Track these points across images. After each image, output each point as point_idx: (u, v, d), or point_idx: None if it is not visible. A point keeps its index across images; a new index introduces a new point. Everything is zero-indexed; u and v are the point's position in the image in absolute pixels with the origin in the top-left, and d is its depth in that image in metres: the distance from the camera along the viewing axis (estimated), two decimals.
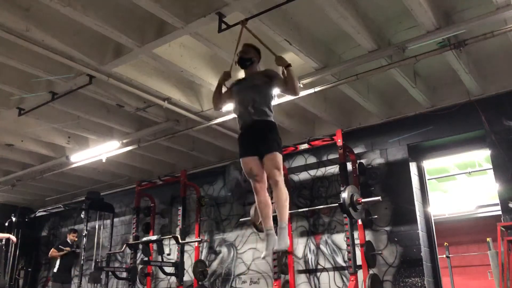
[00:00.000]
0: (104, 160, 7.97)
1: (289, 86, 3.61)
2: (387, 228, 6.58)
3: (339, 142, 6.37)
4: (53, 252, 8.64)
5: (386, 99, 6.88)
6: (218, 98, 3.87)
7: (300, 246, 7.32)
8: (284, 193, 3.39)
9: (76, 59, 5.29)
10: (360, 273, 6.06)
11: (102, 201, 9.96)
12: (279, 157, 3.45)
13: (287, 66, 3.58)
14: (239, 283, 7.91)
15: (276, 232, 3.38)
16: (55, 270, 8.61)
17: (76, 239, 8.92)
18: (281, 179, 3.40)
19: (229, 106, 4.16)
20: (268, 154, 3.41)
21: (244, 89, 3.70)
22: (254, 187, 3.48)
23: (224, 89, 3.88)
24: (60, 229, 12.24)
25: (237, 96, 3.73)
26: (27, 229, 12.26)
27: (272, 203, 3.52)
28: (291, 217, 7.27)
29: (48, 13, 4.75)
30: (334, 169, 7.26)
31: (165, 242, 8.78)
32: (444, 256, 8.95)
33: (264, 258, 3.54)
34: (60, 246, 8.62)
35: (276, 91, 3.75)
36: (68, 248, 8.57)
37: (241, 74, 5.89)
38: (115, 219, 10.21)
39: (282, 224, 3.35)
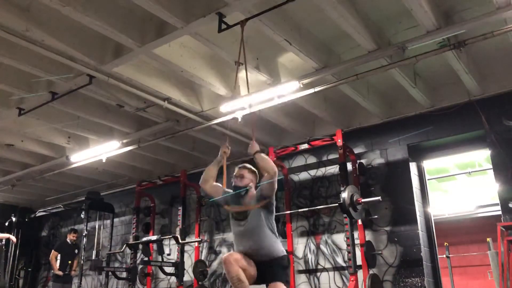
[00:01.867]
0: (104, 160, 7.96)
1: (266, 176, 3.43)
2: (387, 228, 6.57)
3: (339, 142, 6.38)
4: (53, 256, 8.62)
5: (386, 99, 6.88)
6: (210, 177, 3.70)
7: (300, 246, 7.32)
8: None
9: (76, 59, 5.28)
10: (360, 273, 6.06)
11: (102, 201, 9.96)
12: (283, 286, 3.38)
13: (255, 153, 3.50)
14: None
15: None
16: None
17: (76, 239, 8.92)
18: None
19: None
20: (275, 282, 3.35)
21: (242, 225, 3.50)
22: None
23: (216, 180, 3.73)
24: (60, 229, 12.24)
25: (237, 232, 3.55)
26: (27, 229, 12.26)
27: None
28: (291, 217, 7.26)
29: (48, 13, 4.75)
30: (334, 169, 7.25)
31: (165, 242, 8.77)
32: (444, 256, 8.94)
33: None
34: (56, 273, 8.54)
35: (271, 193, 3.54)
36: (60, 273, 8.49)
37: (241, 75, 5.93)
38: (115, 219, 10.21)
39: None
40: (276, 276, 3.37)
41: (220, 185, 3.75)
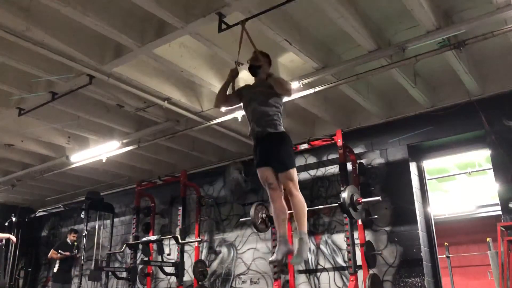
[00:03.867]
0: (104, 160, 7.96)
1: (280, 89, 3.65)
2: (387, 228, 6.58)
3: (339, 142, 6.38)
4: (52, 253, 8.64)
5: (386, 99, 6.88)
6: (223, 97, 3.92)
7: None
8: (301, 202, 3.50)
9: (76, 59, 5.28)
10: (360, 273, 6.07)
11: (102, 201, 9.95)
12: (293, 171, 3.55)
13: (268, 76, 3.69)
14: (239, 283, 7.91)
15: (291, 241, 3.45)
16: (55, 270, 8.61)
17: (76, 239, 8.91)
18: (296, 189, 3.49)
19: (229, 107, 4.18)
20: (284, 172, 3.50)
21: (254, 100, 3.72)
22: (270, 195, 3.60)
23: (229, 90, 3.90)
24: (60, 229, 12.24)
25: (248, 106, 3.76)
26: (27, 229, 12.25)
27: (289, 212, 3.60)
28: (291, 217, 7.24)
29: (48, 13, 4.75)
30: (334, 169, 7.25)
31: (165, 242, 8.78)
32: (444, 256, 8.95)
33: (271, 262, 3.60)
34: (60, 251, 8.59)
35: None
36: (67, 253, 8.55)
37: (241, 75, 5.92)
38: (115, 219, 10.21)
39: (301, 234, 3.43)
40: (285, 161, 3.52)
41: (232, 92, 3.94)
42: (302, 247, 3.40)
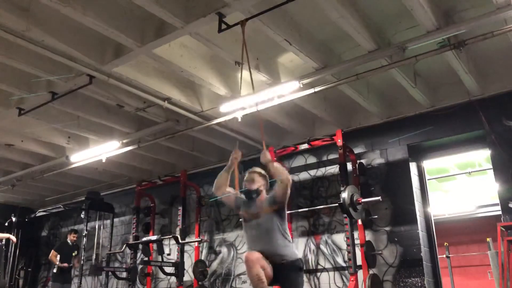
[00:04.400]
0: (104, 160, 7.96)
1: (281, 183, 3.49)
2: (387, 228, 6.57)
3: (339, 142, 6.38)
4: (52, 255, 8.63)
5: (386, 99, 6.88)
6: (223, 184, 3.79)
7: (300, 246, 7.31)
8: None
9: (76, 59, 5.28)
10: (360, 273, 6.06)
11: (102, 201, 9.96)
12: None
13: (268, 162, 3.56)
14: (239, 283, 7.91)
15: None
16: (54, 270, 8.61)
17: (76, 239, 8.91)
18: None
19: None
20: None
21: (255, 227, 3.56)
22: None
23: (229, 186, 3.82)
24: (60, 229, 12.24)
25: (250, 235, 3.61)
26: (27, 229, 12.26)
27: None
28: (291, 217, 7.27)
29: (48, 13, 4.75)
30: (334, 169, 7.25)
31: (165, 242, 8.78)
32: (444, 256, 8.95)
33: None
34: (58, 264, 8.56)
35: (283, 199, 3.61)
36: (65, 264, 8.53)
37: (242, 74, 5.92)
38: (115, 219, 10.21)
39: None
40: (288, 281, 3.42)
41: (232, 190, 3.82)
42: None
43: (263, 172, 3.77)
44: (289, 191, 3.54)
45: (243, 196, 3.75)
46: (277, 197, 3.55)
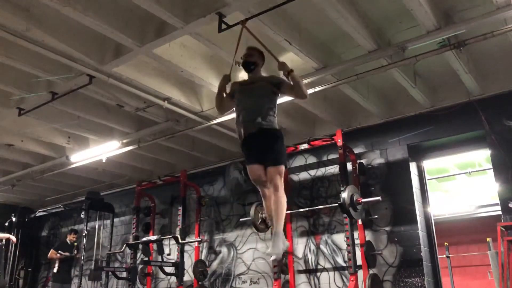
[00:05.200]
0: (104, 160, 7.97)
1: (296, 90, 3.66)
2: (387, 228, 6.57)
3: (339, 142, 6.37)
4: (52, 253, 8.64)
5: (386, 99, 6.88)
6: (221, 103, 3.90)
7: (300, 246, 7.32)
8: (283, 199, 3.47)
9: (76, 59, 5.28)
10: (360, 273, 6.06)
11: (102, 201, 9.96)
12: (283, 167, 3.55)
13: (290, 72, 3.61)
14: (239, 283, 7.91)
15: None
16: (54, 270, 8.61)
17: (76, 239, 8.90)
18: (282, 186, 3.48)
19: (230, 110, 4.15)
20: (274, 166, 3.49)
21: (248, 94, 3.69)
22: (263, 193, 3.56)
23: (225, 93, 3.88)
24: (60, 229, 12.24)
25: (241, 101, 3.72)
26: (27, 229, 12.25)
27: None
28: (291, 217, 7.28)
29: (48, 13, 4.75)
30: (334, 169, 7.25)
31: (165, 242, 8.78)
32: (444, 256, 8.95)
33: (268, 255, 3.57)
34: (59, 251, 8.60)
35: (281, 97, 3.79)
36: (67, 253, 8.56)
37: (242, 74, 5.89)
38: (115, 219, 10.20)
39: (277, 229, 3.40)
40: (278, 155, 3.53)
41: (227, 95, 3.91)
42: (276, 241, 3.38)
43: (260, 50, 3.90)
44: (300, 96, 3.74)
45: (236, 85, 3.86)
46: (285, 90, 3.69)
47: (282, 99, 5.88)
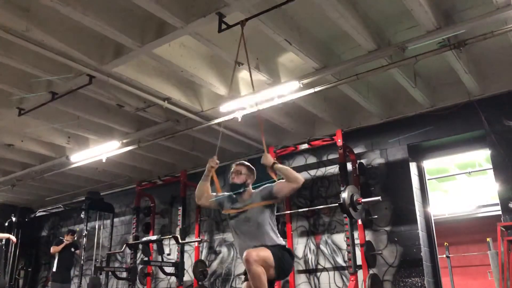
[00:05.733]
0: (104, 160, 7.96)
1: (288, 182, 3.45)
2: (387, 228, 6.57)
3: (339, 142, 6.38)
4: (54, 248, 8.63)
5: (386, 99, 6.88)
6: (203, 192, 3.66)
7: (300, 246, 7.32)
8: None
9: (76, 59, 5.28)
10: (360, 273, 6.07)
11: (102, 201, 9.96)
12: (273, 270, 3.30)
13: (273, 165, 3.42)
14: (239, 283, 7.91)
15: None
16: (54, 269, 8.59)
17: (73, 241, 8.83)
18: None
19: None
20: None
21: (243, 222, 3.44)
22: None
23: (211, 192, 3.68)
24: (60, 229, 12.24)
25: (237, 230, 3.47)
26: (27, 229, 12.26)
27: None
28: (291, 217, 7.27)
29: (48, 13, 4.75)
30: (334, 169, 7.25)
31: (165, 242, 8.77)
32: (444, 256, 8.95)
33: None
34: (60, 237, 8.62)
35: (277, 200, 3.58)
36: (69, 239, 8.58)
37: (242, 75, 5.91)
38: (115, 219, 10.21)
39: None
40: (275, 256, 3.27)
41: (214, 194, 3.71)
42: None
43: (251, 166, 3.70)
44: (295, 190, 3.53)
45: (225, 194, 3.65)
46: (279, 192, 3.46)
47: (282, 99, 5.90)
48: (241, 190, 3.56)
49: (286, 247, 3.55)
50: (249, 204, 3.48)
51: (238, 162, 3.73)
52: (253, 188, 3.65)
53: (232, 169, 3.67)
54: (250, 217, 3.43)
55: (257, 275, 3.10)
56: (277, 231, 3.50)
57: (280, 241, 3.46)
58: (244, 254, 3.15)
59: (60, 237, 8.97)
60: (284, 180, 3.45)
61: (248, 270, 3.15)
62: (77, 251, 8.91)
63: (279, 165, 3.48)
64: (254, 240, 3.36)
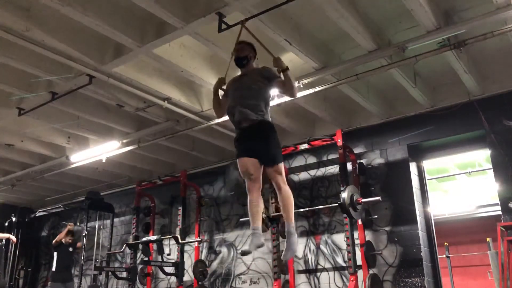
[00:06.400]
0: (104, 160, 7.97)
1: (287, 88, 3.61)
2: (387, 228, 6.57)
3: (339, 142, 6.38)
4: (57, 239, 8.60)
5: (386, 99, 6.88)
6: (218, 105, 3.86)
7: (300, 246, 7.31)
8: (289, 196, 3.49)
9: (76, 59, 5.28)
10: (360, 273, 6.06)
11: (102, 201, 9.96)
12: (282, 165, 3.53)
13: (285, 69, 3.54)
14: (239, 283, 7.91)
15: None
16: (53, 269, 8.50)
17: (72, 242, 8.78)
18: (285, 183, 3.48)
19: None
20: (273, 166, 3.46)
21: (240, 88, 3.65)
22: (248, 186, 3.49)
23: (221, 95, 3.84)
24: (60, 229, 12.19)
25: (233, 95, 3.67)
26: (27, 229, 12.25)
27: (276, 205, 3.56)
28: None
29: (48, 13, 4.75)
30: (334, 169, 7.25)
31: (165, 242, 8.77)
32: (444, 256, 8.95)
33: (242, 254, 3.50)
34: (63, 223, 8.63)
35: (273, 91, 3.74)
36: (71, 224, 8.59)
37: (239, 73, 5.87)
38: (115, 219, 10.20)
39: (290, 227, 3.43)
40: (275, 155, 3.49)
41: (222, 94, 3.87)
42: (291, 240, 3.40)
43: (251, 43, 3.84)
44: (288, 94, 3.73)
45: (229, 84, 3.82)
46: (276, 87, 3.64)
47: (282, 99, 5.90)
48: (244, 63, 3.74)
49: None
50: (249, 75, 3.68)
51: (239, 41, 3.85)
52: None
53: (235, 47, 3.81)
54: (246, 84, 3.61)
55: (291, 199, 3.49)
56: (268, 110, 3.63)
57: (269, 116, 3.64)
58: (274, 178, 3.44)
59: (63, 222, 8.95)
60: (284, 82, 3.59)
61: (283, 195, 3.47)
62: (78, 244, 8.88)
63: (290, 72, 3.59)
64: (247, 107, 3.48)
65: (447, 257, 9.05)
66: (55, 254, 8.57)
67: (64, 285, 8.49)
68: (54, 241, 8.68)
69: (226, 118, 6.44)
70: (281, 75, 3.59)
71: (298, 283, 7.07)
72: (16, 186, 10.17)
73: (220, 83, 3.85)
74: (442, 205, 9.90)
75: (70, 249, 8.72)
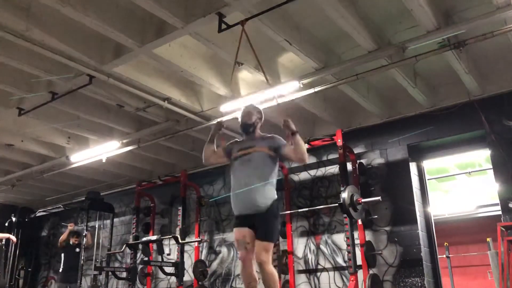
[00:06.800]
0: (104, 160, 7.96)
1: (296, 153, 3.48)
2: (387, 228, 6.57)
3: (339, 142, 6.37)
4: (60, 240, 8.65)
5: (386, 99, 6.88)
6: (212, 153, 3.74)
7: (300, 246, 7.32)
8: (273, 276, 3.30)
9: (76, 59, 5.28)
10: (360, 273, 6.06)
11: (102, 201, 9.95)
12: (271, 244, 3.40)
13: (294, 132, 3.46)
14: (239, 283, 7.91)
15: None
16: (60, 270, 8.60)
17: (78, 243, 8.84)
18: (269, 263, 3.31)
19: (218, 163, 4.07)
20: (262, 242, 3.33)
21: (247, 166, 3.49)
22: (243, 259, 3.39)
23: (219, 140, 3.77)
24: (60, 229, 12.22)
25: (239, 173, 3.53)
26: (27, 229, 12.26)
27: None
28: (291, 217, 7.27)
29: (48, 13, 4.75)
30: (334, 169, 7.25)
31: (165, 242, 8.77)
32: (444, 256, 8.95)
33: None
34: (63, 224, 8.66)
35: (280, 159, 3.63)
36: (72, 224, 8.61)
37: (242, 75, 5.91)
38: (115, 219, 10.20)
39: None
40: (269, 232, 3.37)
41: (222, 147, 3.79)
42: None
43: (259, 108, 3.79)
44: (294, 160, 3.64)
45: (231, 141, 3.75)
46: (285, 155, 3.54)
47: (282, 99, 5.89)
48: (251, 130, 3.64)
49: (278, 206, 3.61)
50: (256, 146, 3.55)
51: (247, 105, 3.80)
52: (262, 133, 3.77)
53: (243, 111, 3.73)
54: (253, 158, 3.49)
55: (274, 278, 3.26)
56: (274, 187, 3.53)
57: (274, 192, 3.50)
58: (258, 253, 3.25)
59: (63, 224, 8.97)
60: (293, 148, 3.50)
61: (265, 274, 3.26)
62: (89, 240, 8.97)
63: (299, 136, 3.51)
64: (255, 192, 3.37)
65: (447, 257, 9.04)
66: (62, 255, 8.61)
67: (71, 286, 8.54)
68: (58, 243, 8.72)
69: (225, 118, 6.49)
70: (289, 138, 3.49)
71: (298, 283, 7.07)
72: (16, 186, 10.17)
73: (218, 126, 3.75)
74: (442, 205, 9.90)
75: (77, 249, 8.76)
